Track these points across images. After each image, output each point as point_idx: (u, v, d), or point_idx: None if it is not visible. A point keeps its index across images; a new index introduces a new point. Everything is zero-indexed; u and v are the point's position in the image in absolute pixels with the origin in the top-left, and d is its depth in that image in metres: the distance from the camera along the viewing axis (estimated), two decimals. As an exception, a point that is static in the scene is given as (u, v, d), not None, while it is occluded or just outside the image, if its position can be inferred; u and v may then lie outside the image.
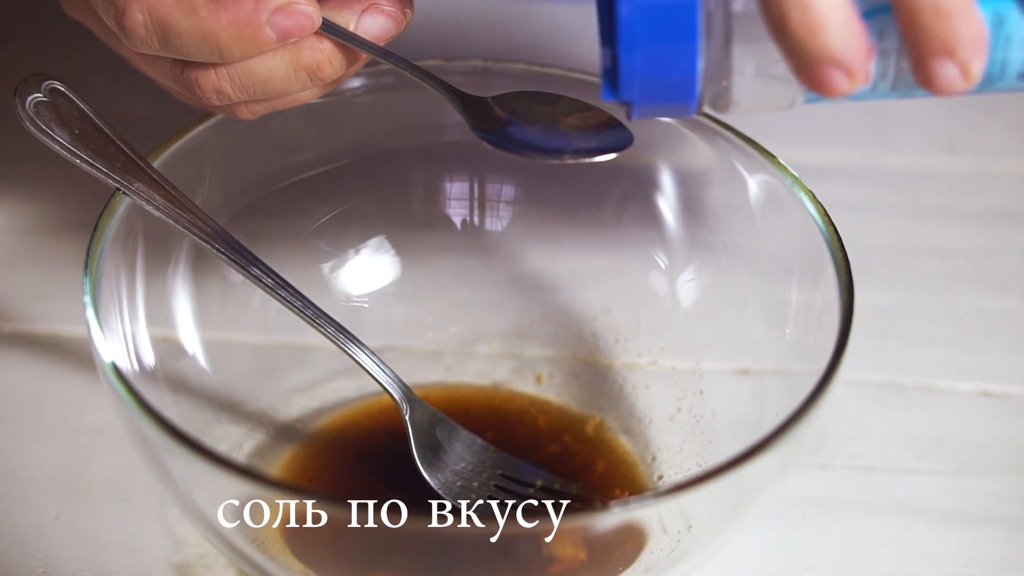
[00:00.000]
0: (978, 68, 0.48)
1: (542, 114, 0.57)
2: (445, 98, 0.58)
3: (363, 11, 0.57)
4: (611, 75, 0.51)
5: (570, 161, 0.55)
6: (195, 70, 0.56)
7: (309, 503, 0.52)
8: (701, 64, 0.50)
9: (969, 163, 0.87)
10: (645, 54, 0.50)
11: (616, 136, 0.56)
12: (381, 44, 0.57)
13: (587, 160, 0.55)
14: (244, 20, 0.54)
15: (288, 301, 0.61)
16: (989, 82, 0.50)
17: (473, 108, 0.57)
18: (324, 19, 0.56)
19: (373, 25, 0.57)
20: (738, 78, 0.51)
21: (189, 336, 0.66)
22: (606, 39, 0.51)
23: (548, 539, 0.52)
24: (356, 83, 0.67)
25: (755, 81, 0.51)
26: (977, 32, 0.47)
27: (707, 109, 0.53)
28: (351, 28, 0.57)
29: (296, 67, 0.56)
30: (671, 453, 0.67)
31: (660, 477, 0.66)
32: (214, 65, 0.56)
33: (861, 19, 0.48)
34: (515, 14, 0.85)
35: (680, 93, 0.51)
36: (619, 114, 0.55)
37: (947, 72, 0.48)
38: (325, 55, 0.56)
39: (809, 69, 0.48)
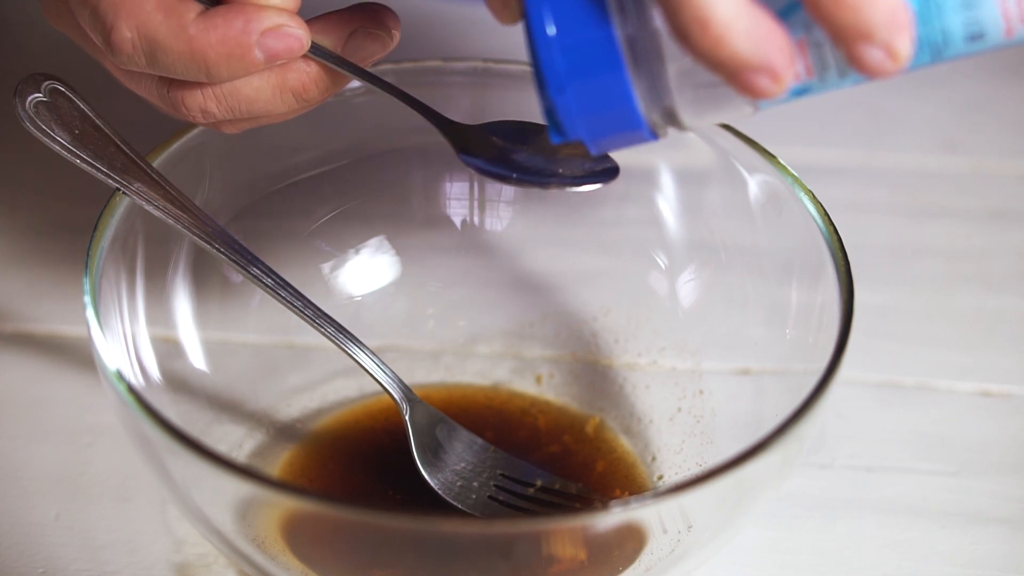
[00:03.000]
0: (904, 46, 0.46)
1: (528, 143, 0.57)
2: (433, 124, 0.58)
3: (350, 34, 0.56)
4: (553, 118, 0.51)
5: (555, 190, 0.56)
6: (181, 89, 0.56)
7: (309, 503, 0.52)
8: (635, 89, 0.50)
9: (969, 163, 0.87)
10: (576, 92, 0.50)
11: (602, 166, 0.56)
12: (367, 66, 0.57)
13: (572, 189, 0.56)
14: (233, 41, 0.54)
15: (288, 301, 0.61)
16: (938, 52, 0.48)
17: (459, 134, 0.57)
18: (312, 42, 0.56)
19: (360, 48, 0.57)
20: (679, 95, 0.50)
21: (189, 336, 0.66)
22: (539, 84, 0.50)
23: (548, 539, 0.52)
24: (356, 83, 0.66)
25: (698, 95, 0.50)
26: (890, 9, 0.46)
27: (672, 132, 0.52)
28: (338, 51, 0.56)
29: (282, 89, 0.56)
30: (671, 453, 0.67)
31: (660, 477, 0.66)
32: (200, 85, 0.56)
33: (775, 18, 0.47)
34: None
35: (625, 122, 0.50)
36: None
37: (873, 56, 0.46)
38: (311, 77, 0.56)
39: (732, 78, 0.47)
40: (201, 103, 0.56)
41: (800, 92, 0.50)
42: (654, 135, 0.51)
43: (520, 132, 0.57)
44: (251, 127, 0.59)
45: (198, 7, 0.54)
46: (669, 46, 0.49)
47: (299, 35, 0.54)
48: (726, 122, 0.52)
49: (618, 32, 0.49)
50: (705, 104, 0.51)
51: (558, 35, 0.49)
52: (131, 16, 0.54)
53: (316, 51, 0.56)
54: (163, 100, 0.57)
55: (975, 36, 0.48)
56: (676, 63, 0.49)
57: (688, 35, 0.46)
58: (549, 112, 0.51)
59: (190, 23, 0.54)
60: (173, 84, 0.56)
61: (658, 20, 0.49)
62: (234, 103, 0.56)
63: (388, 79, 0.64)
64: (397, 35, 0.58)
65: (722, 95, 0.50)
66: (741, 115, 0.51)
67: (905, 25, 0.46)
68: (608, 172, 0.56)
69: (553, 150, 0.56)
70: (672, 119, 0.51)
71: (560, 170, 0.56)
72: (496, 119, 0.58)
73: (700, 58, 0.47)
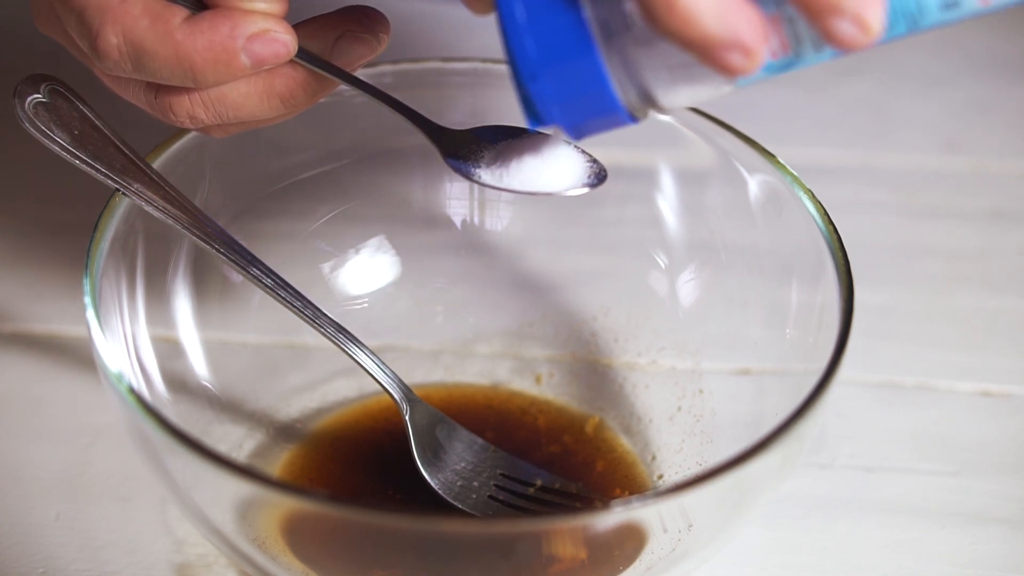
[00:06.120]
0: (875, 17, 0.46)
1: (517, 147, 0.56)
2: (420, 130, 0.58)
3: (337, 38, 0.56)
4: (528, 104, 0.51)
5: (543, 194, 0.55)
6: (168, 96, 0.56)
7: (309, 503, 0.52)
8: (610, 72, 0.49)
9: (969, 163, 0.87)
10: (549, 78, 0.49)
11: (590, 171, 0.56)
12: (354, 70, 0.57)
13: (562, 194, 0.55)
14: (219, 46, 0.54)
15: (288, 301, 0.61)
16: (914, 22, 0.48)
17: (446, 139, 0.57)
18: (298, 46, 0.55)
19: (347, 52, 0.56)
20: (654, 76, 0.50)
21: (189, 336, 0.66)
22: (513, 71, 0.50)
23: (548, 539, 0.52)
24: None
25: (673, 75, 0.50)
26: None
27: (655, 113, 0.52)
28: (325, 55, 0.56)
29: (269, 94, 0.56)
30: (671, 453, 0.67)
31: (660, 476, 0.66)
32: (187, 91, 0.55)
33: None
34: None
35: (601, 105, 0.50)
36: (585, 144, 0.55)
37: (845, 29, 0.46)
38: (298, 82, 0.56)
39: (704, 57, 0.47)
40: (189, 109, 0.56)
41: (779, 68, 0.49)
42: (633, 118, 0.51)
43: (509, 136, 0.57)
44: (240, 131, 0.59)
45: (184, 12, 0.54)
46: (640, 27, 0.49)
47: (285, 40, 0.54)
48: (703, 100, 0.52)
49: (589, 15, 0.49)
50: (681, 83, 0.50)
51: (528, 22, 0.49)
52: (117, 22, 0.54)
53: (303, 56, 0.55)
54: (151, 106, 0.57)
55: (950, 4, 0.47)
56: (648, 44, 0.49)
57: (655, 16, 0.46)
58: (524, 99, 0.51)
59: (176, 28, 0.54)
60: (161, 90, 0.56)
61: (628, 2, 0.49)
62: (221, 108, 0.56)
63: (387, 80, 0.65)
64: (386, 39, 0.57)
65: (698, 73, 0.49)
66: (718, 93, 0.51)
67: None
68: (597, 176, 0.56)
69: (542, 154, 0.56)
70: (649, 100, 0.51)
71: (550, 174, 0.56)
72: (496, 119, 0.58)
73: (670, 38, 0.47)
